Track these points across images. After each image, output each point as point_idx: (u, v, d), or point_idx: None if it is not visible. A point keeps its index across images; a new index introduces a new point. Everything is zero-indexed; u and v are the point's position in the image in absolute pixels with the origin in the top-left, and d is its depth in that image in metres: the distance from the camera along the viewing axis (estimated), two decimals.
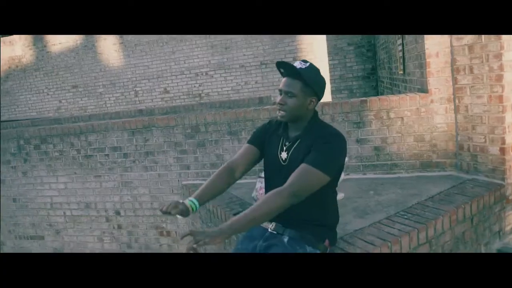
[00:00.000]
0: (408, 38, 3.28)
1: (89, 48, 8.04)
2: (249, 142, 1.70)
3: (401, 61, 3.65)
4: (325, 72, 6.85)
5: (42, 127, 3.92)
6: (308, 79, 1.51)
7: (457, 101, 2.67)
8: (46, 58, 8.37)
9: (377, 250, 1.79)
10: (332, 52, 6.84)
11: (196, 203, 1.52)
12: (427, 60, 2.69)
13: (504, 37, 2.36)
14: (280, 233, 1.58)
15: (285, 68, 1.54)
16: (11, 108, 8.87)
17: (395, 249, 1.86)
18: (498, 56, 2.38)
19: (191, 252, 1.30)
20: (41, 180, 3.84)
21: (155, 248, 3.59)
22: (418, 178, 2.77)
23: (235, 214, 2.38)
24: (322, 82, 1.58)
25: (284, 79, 1.55)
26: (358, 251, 1.78)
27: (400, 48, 3.67)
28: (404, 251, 1.90)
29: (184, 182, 3.39)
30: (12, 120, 8.02)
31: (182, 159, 3.37)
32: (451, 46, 2.61)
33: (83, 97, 8.30)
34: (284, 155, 1.58)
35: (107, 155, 3.58)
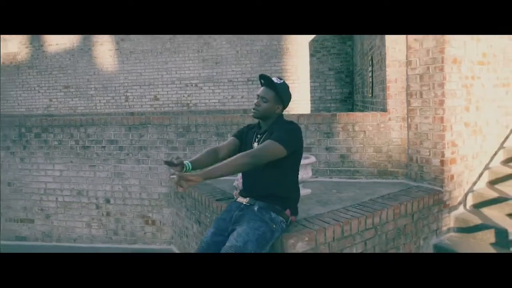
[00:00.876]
0: (376, 65, 3.85)
1: (85, 51, 8.39)
2: (233, 135, 2.25)
3: (370, 85, 4.22)
4: (306, 93, 7.43)
5: (45, 117, 4.24)
6: (280, 92, 2.06)
7: (409, 120, 3.21)
8: (41, 57, 8.65)
9: (330, 228, 2.24)
10: (314, 75, 7.44)
11: (190, 165, 1.94)
12: (387, 84, 3.24)
13: (447, 69, 2.93)
14: (252, 204, 2.03)
15: (265, 80, 2.08)
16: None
17: (346, 229, 2.31)
18: (441, 85, 2.94)
19: (179, 190, 1.75)
20: (38, 166, 4.14)
21: (139, 236, 3.92)
22: (375, 183, 3.27)
23: (217, 200, 2.80)
24: (289, 95, 2.14)
25: (262, 88, 2.10)
26: (316, 227, 2.22)
27: (370, 74, 4.24)
28: (354, 232, 2.35)
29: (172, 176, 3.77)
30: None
31: (172, 155, 3.77)
32: (407, 74, 3.17)
33: (74, 98, 8.57)
34: (255, 145, 2.07)
35: (104, 147, 3.94)
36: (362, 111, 5.28)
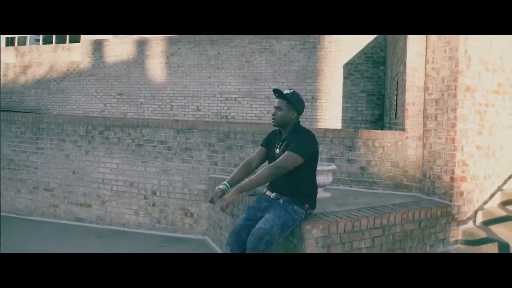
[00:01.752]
0: (399, 89, 4.26)
1: (139, 63, 9.34)
2: (261, 144, 2.71)
3: (395, 107, 4.61)
4: (338, 113, 7.85)
5: (108, 117, 4.99)
6: (291, 99, 2.47)
7: (424, 139, 3.58)
8: (100, 66, 9.71)
9: (342, 222, 2.66)
10: (347, 96, 7.87)
11: (228, 186, 2.46)
12: (406, 107, 3.65)
13: (459, 96, 3.30)
14: (278, 198, 2.52)
15: (278, 93, 2.52)
16: (62, 105, 10.15)
17: (356, 224, 2.72)
18: (454, 110, 3.31)
19: (224, 211, 2.29)
20: (99, 159, 4.86)
21: (179, 226, 4.48)
22: (390, 194, 3.64)
23: (250, 195, 3.31)
24: (301, 102, 2.50)
25: (277, 100, 2.53)
26: (330, 220, 2.65)
27: (395, 97, 4.64)
28: (363, 228, 2.76)
29: (211, 175, 4.34)
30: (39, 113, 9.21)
31: (212, 157, 4.35)
32: (424, 98, 3.57)
33: (125, 104, 9.51)
34: (277, 150, 2.54)
35: (155, 146, 4.60)
36: None
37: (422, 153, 3.61)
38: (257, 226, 2.40)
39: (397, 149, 3.69)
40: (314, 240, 2.52)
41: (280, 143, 2.54)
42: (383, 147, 3.74)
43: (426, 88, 3.54)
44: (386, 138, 3.74)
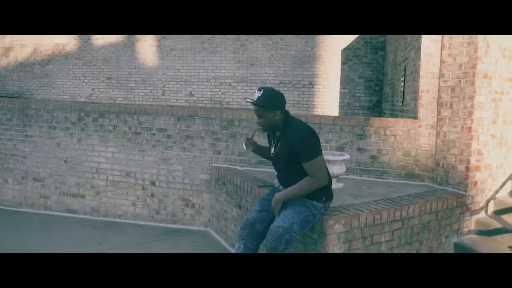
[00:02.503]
0: (409, 76, 4.13)
1: (128, 46, 8.94)
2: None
3: (401, 94, 4.49)
4: (335, 99, 7.71)
5: (102, 104, 4.71)
6: (264, 103, 2.18)
7: (438, 128, 3.47)
8: (88, 49, 9.26)
9: (364, 215, 2.55)
10: (344, 81, 7.72)
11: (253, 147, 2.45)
12: (420, 94, 3.52)
13: (477, 83, 3.18)
14: None
15: (251, 103, 2.26)
16: (46, 89, 9.69)
17: (377, 217, 2.61)
18: (471, 98, 3.20)
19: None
20: (93, 147, 4.60)
21: (179, 217, 4.31)
22: (401, 184, 3.54)
23: (259, 187, 3.15)
24: (277, 97, 2.22)
25: (254, 109, 2.26)
26: (351, 213, 2.53)
27: (402, 84, 4.51)
28: (383, 221, 2.65)
29: (214, 164, 4.16)
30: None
31: (215, 145, 4.16)
32: (439, 86, 3.44)
33: (114, 89, 9.13)
34: (272, 150, 2.38)
35: (153, 134, 4.37)
36: None
37: (435, 141, 3.51)
38: (275, 223, 2.26)
39: (409, 138, 3.58)
40: (336, 235, 2.39)
41: (274, 143, 2.36)
42: (395, 135, 3.62)
43: (441, 75, 3.41)
44: (398, 126, 3.62)
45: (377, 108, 7.56)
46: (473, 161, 3.25)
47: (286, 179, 2.36)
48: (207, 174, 4.20)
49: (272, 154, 2.36)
